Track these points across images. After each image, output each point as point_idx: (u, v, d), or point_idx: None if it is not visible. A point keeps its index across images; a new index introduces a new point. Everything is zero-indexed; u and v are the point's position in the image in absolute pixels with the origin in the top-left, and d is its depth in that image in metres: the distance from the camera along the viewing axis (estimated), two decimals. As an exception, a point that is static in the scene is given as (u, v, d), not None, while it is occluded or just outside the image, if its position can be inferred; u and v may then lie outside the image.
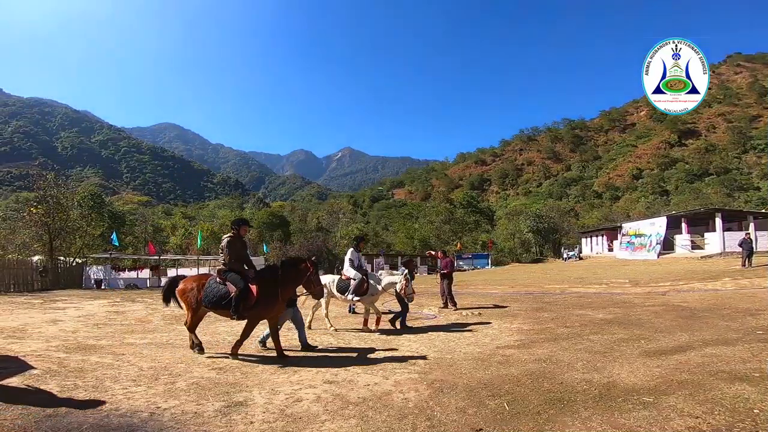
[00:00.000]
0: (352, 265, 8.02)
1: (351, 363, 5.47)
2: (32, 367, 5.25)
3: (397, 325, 8.11)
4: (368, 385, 4.44)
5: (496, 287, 18.13)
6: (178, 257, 39.55)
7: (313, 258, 5.93)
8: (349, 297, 8.01)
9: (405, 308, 8.12)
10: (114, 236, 28.98)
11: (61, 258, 25.44)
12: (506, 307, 11.01)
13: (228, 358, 5.89)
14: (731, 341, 5.63)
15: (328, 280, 8.17)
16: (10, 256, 24.41)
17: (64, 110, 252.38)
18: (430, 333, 7.69)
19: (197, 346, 5.98)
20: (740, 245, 17.89)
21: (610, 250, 40.49)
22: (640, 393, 3.80)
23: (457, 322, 8.95)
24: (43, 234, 25.32)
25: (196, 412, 3.68)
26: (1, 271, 20.05)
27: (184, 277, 6.42)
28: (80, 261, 26.22)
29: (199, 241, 33.33)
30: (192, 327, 6.02)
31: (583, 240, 50.98)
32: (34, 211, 25.23)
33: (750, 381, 3.95)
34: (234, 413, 3.65)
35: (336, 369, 5.14)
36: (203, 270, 30.23)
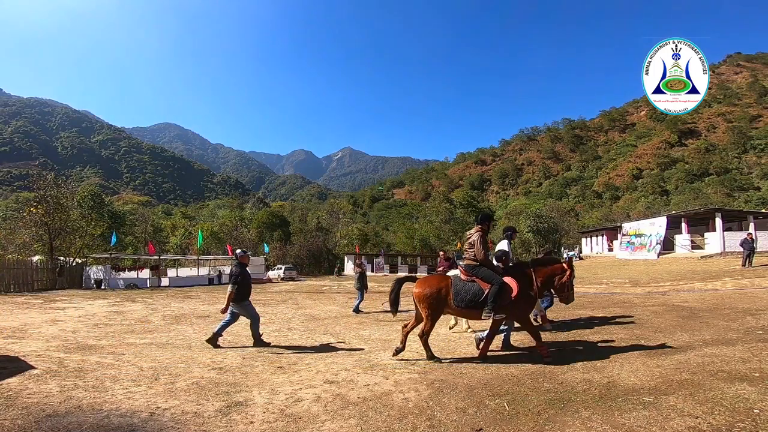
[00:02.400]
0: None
1: (351, 363, 5.47)
2: (32, 367, 5.25)
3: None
4: (368, 385, 4.44)
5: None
6: (178, 257, 39.54)
7: (570, 259, 5.53)
8: None
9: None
10: (114, 237, 28.99)
11: (61, 258, 25.44)
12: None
13: (228, 358, 5.89)
14: (731, 341, 5.63)
15: (451, 274, 7.77)
16: (10, 256, 24.43)
17: (64, 110, 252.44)
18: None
19: (434, 357, 5.35)
20: (741, 245, 17.88)
21: (610, 250, 40.46)
22: (640, 393, 3.80)
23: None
24: (43, 234, 25.32)
25: (196, 412, 3.68)
26: (1, 271, 20.06)
27: (410, 278, 6.00)
28: (80, 261, 26.21)
29: (199, 241, 33.31)
30: (428, 336, 5.37)
31: (583, 240, 50.96)
32: (34, 211, 25.23)
33: (750, 381, 3.95)
34: (234, 413, 3.65)
35: (336, 369, 5.14)
36: (203, 270, 30.23)
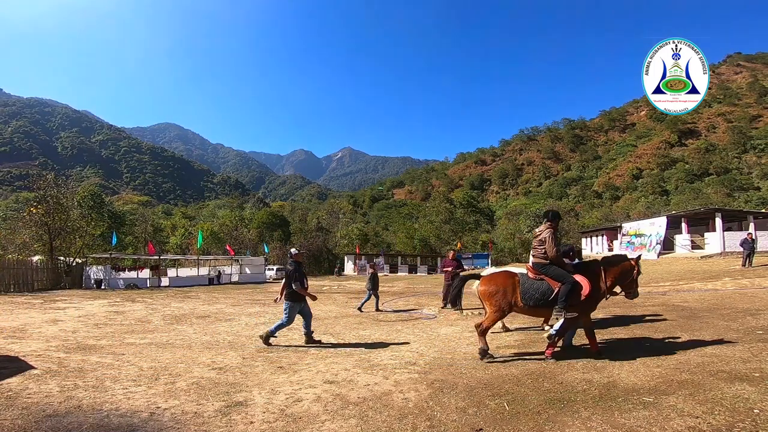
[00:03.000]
0: None
1: (351, 363, 5.47)
2: (32, 367, 5.26)
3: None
4: (368, 385, 4.44)
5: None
6: (178, 257, 39.53)
7: (638, 257, 5.51)
8: None
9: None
10: (114, 237, 28.98)
11: (61, 258, 25.44)
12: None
13: (228, 358, 5.89)
14: (731, 341, 5.63)
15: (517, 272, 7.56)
16: (10, 256, 24.43)
17: (64, 110, 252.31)
18: (430, 333, 7.69)
19: (487, 354, 5.26)
20: (741, 245, 17.87)
21: (610, 250, 40.46)
22: (640, 393, 3.79)
23: (457, 322, 8.95)
24: (43, 234, 25.32)
25: (196, 412, 3.68)
26: (1, 271, 20.06)
27: (473, 277, 5.93)
28: (80, 261, 26.21)
29: (199, 241, 33.29)
30: (487, 330, 5.35)
31: (583, 240, 50.93)
32: (34, 211, 25.24)
33: (750, 381, 3.95)
34: (234, 413, 3.65)
35: (336, 369, 5.14)
36: (203, 270, 30.23)
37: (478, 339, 5.33)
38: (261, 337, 6.79)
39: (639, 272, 5.31)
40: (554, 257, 5.12)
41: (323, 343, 6.93)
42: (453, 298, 5.80)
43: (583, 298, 4.99)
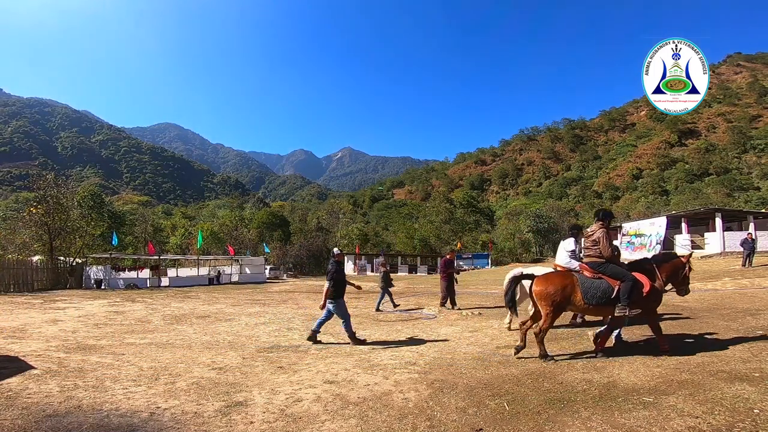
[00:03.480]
0: (573, 256, 7.51)
1: (351, 363, 5.46)
2: (32, 367, 5.26)
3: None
4: (368, 385, 4.44)
5: (496, 287, 18.12)
6: (178, 257, 39.54)
7: (691, 254, 5.63)
8: None
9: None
10: (114, 237, 28.97)
11: (61, 258, 25.43)
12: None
13: (228, 358, 5.89)
14: (731, 341, 5.63)
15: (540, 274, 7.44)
16: (10, 256, 24.42)
17: (64, 110, 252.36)
18: (430, 333, 7.69)
19: (547, 356, 5.16)
20: (741, 245, 17.86)
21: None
22: (640, 393, 3.79)
23: (457, 322, 8.95)
24: (42, 234, 25.31)
25: (196, 412, 3.68)
26: (1, 271, 20.06)
27: (527, 276, 5.90)
28: (80, 261, 26.21)
29: (199, 241, 33.28)
30: (545, 333, 5.25)
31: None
32: (34, 211, 25.22)
33: (750, 381, 3.95)
34: (234, 413, 3.65)
35: (336, 369, 5.14)
36: (203, 270, 30.22)
37: (537, 345, 5.24)
38: (352, 339, 6.84)
39: (690, 269, 5.41)
40: (610, 256, 5.20)
41: (368, 342, 6.99)
42: (508, 300, 5.79)
43: (644, 294, 5.06)
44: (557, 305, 5.11)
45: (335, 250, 7.62)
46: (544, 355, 5.16)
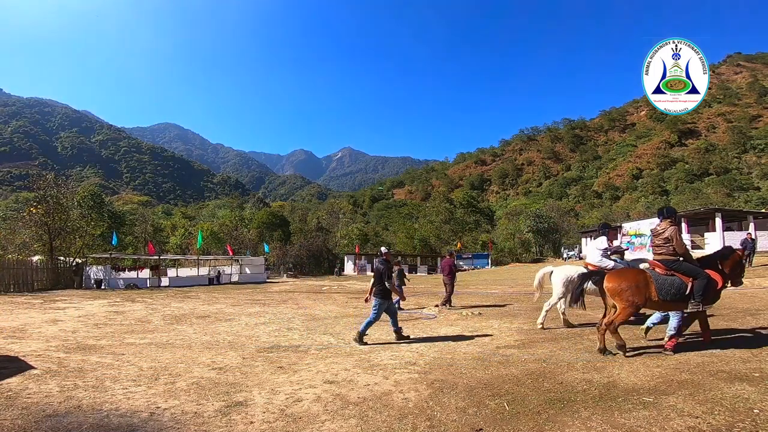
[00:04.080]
0: (605, 255, 7.21)
1: (351, 363, 5.46)
2: (32, 367, 5.26)
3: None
4: (368, 385, 4.44)
5: (496, 287, 18.13)
6: (178, 257, 39.53)
7: (744, 248, 5.82)
8: None
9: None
10: (114, 236, 28.98)
11: (61, 258, 25.44)
12: (506, 306, 11.01)
13: (228, 358, 5.89)
14: (731, 341, 5.63)
15: (573, 272, 7.26)
16: (9, 256, 24.43)
17: (64, 110, 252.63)
18: (430, 333, 7.69)
19: (623, 347, 5.28)
20: (742, 245, 17.86)
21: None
22: (640, 393, 3.79)
23: (457, 322, 8.95)
24: (42, 234, 25.31)
25: (196, 412, 3.68)
26: (1, 271, 20.06)
27: (595, 273, 5.97)
28: (80, 261, 26.22)
29: (199, 241, 33.27)
30: (619, 327, 5.39)
31: (583, 240, 50.95)
32: (34, 211, 25.22)
33: (750, 381, 3.95)
34: (234, 413, 3.65)
35: (336, 369, 5.14)
36: (203, 270, 30.23)
37: (613, 337, 5.31)
38: (354, 339, 6.81)
39: (745, 261, 5.54)
40: (685, 253, 5.29)
41: (411, 338, 7.05)
42: (575, 296, 5.85)
43: (717, 290, 5.22)
44: (633, 300, 5.18)
45: (383, 248, 7.53)
46: (622, 346, 5.27)
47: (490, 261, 49.21)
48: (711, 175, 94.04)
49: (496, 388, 4.16)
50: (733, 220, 29.91)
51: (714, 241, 25.91)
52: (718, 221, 25.95)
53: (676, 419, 3.20)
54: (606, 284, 5.36)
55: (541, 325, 7.40)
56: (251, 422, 3.45)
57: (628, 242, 34.66)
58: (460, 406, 3.69)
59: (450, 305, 10.92)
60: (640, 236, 32.84)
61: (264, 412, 3.67)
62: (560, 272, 7.48)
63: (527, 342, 6.45)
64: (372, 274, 7.22)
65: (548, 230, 59.85)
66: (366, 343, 6.73)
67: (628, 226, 36.50)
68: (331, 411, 3.68)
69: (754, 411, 3.27)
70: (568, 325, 7.45)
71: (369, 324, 6.86)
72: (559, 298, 7.36)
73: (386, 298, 6.87)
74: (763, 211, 38.22)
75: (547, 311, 7.43)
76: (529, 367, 4.87)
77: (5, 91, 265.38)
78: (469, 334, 7.36)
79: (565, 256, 45.54)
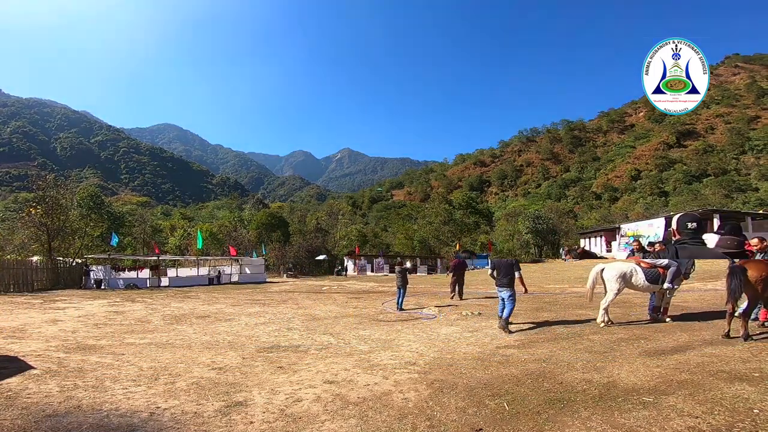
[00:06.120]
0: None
1: (351, 363, 5.46)
2: (32, 367, 5.25)
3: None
4: (368, 385, 4.44)
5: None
6: (177, 258, 39.47)
7: None
8: (666, 286, 7.47)
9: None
10: (114, 237, 28.92)
11: (60, 258, 25.39)
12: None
13: (228, 358, 5.89)
14: (731, 341, 5.64)
15: (626, 268, 7.48)
16: (9, 256, 24.38)
17: (63, 110, 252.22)
18: (430, 333, 7.69)
19: (751, 337, 5.72)
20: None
21: (609, 251, 40.55)
22: (640, 393, 3.80)
23: (457, 322, 8.95)
24: (41, 234, 25.26)
25: (196, 412, 3.68)
26: (1, 271, 20.03)
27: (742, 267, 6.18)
28: (80, 261, 26.17)
29: (199, 241, 33.21)
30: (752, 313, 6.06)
31: (582, 241, 51.03)
32: (33, 211, 25.17)
33: (750, 381, 3.95)
34: (234, 413, 3.65)
35: (336, 369, 5.14)
36: (203, 270, 30.21)
37: (742, 324, 5.73)
38: (501, 327, 7.42)
39: None
40: None
41: (512, 330, 7.40)
42: (735, 292, 6.11)
43: None
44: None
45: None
46: (747, 335, 5.67)
47: (489, 262, 49.13)
48: (709, 176, 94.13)
49: (496, 388, 4.16)
50: (732, 221, 29.97)
51: (713, 242, 25.96)
52: (717, 222, 25.98)
53: (676, 419, 3.20)
54: (750, 273, 5.78)
55: (603, 323, 7.35)
56: (251, 422, 3.45)
57: (627, 243, 34.71)
58: (460, 406, 3.69)
59: (462, 297, 12.76)
60: (639, 237, 32.90)
61: (264, 412, 3.67)
62: (613, 269, 7.53)
63: (527, 342, 6.46)
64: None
65: (547, 231, 59.84)
66: (511, 331, 7.29)
67: (627, 228, 36.58)
68: (331, 411, 3.68)
69: (754, 411, 3.28)
70: (609, 323, 7.39)
71: (511, 311, 7.52)
72: (615, 294, 7.38)
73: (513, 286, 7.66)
74: (761, 212, 38.30)
75: (605, 309, 7.42)
76: (529, 367, 4.87)
77: (4, 91, 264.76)
78: (469, 334, 7.37)
79: (564, 256, 45.51)
